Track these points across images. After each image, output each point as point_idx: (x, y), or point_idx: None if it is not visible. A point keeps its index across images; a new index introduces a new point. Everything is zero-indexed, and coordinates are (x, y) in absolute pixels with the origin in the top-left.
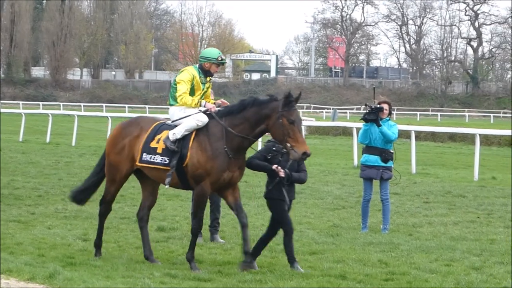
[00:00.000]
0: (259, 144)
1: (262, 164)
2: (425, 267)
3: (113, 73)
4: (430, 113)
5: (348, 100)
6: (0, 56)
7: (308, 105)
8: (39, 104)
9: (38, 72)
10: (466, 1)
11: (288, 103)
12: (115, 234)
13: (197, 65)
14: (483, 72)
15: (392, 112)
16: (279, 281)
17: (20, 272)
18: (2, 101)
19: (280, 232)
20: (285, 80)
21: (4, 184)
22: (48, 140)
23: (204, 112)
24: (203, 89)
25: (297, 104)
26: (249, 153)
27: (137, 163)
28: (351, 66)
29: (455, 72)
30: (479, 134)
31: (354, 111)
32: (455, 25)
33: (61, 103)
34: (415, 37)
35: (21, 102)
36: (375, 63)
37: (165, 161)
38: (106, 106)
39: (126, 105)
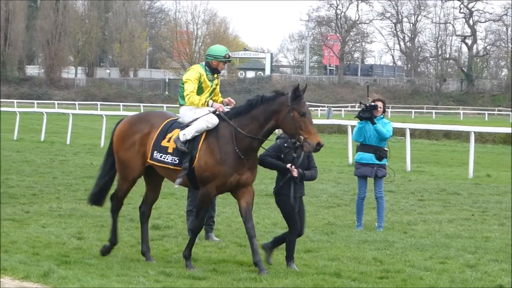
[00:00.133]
0: None
1: (275, 163)
2: (419, 265)
3: (108, 71)
4: (424, 110)
5: (342, 98)
6: None
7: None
8: (33, 103)
9: (32, 70)
10: None
11: (297, 96)
12: (109, 233)
13: (204, 63)
14: (477, 69)
15: (386, 110)
16: (273, 279)
17: (15, 270)
18: None
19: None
20: (280, 78)
21: None
22: (42, 138)
23: (213, 113)
24: (211, 86)
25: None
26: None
27: (148, 160)
28: (346, 64)
29: (450, 70)
30: (474, 132)
31: (349, 109)
32: (449, 23)
33: (56, 102)
34: (409, 35)
35: (15, 101)
36: (369, 61)
37: (175, 161)
38: (100, 105)
39: (121, 104)
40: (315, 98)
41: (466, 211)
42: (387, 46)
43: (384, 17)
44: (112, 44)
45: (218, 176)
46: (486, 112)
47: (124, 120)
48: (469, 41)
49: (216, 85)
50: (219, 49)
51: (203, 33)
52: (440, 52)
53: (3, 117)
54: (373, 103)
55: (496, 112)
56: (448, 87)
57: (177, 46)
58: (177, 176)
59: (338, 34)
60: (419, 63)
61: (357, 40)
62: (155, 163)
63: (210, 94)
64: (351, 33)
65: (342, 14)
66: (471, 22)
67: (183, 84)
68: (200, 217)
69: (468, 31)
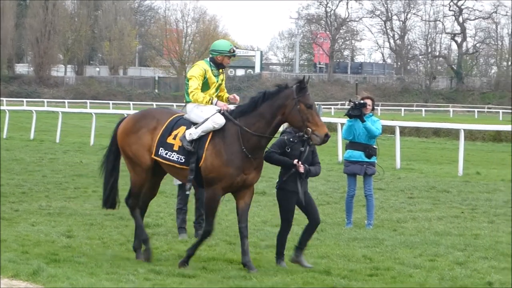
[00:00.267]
0: None
1: (282, 159)
2: (409, 262)
3: (97, 69)
4: (414, 108)
5: (332, 95)
6: None
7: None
8: (23, 101)
9: (22, 68)
10: None
11: (302, 89)
12: (99, 231)
13: (208, 59)
14: (467, 67)
15: (376, 107)
16: (263, 277)
17: (4, 269)
18: None
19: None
20: (270, 76)
21: None
22: (32, 137)
23: (219, 112)
24: (217, 82)
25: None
26: None
27: (153, 156)
28: (336, 62)
29: (440, 67)
30: (464, 129)
31: (339, 106)
32: (439, 20)
33: (45, 100)
34: (399, 33)
35: (4, 99)
36: (359, 58)
37: (182, 160)
38: (90, 103)
39: (110, 102)
40: None
41: (456, 208)
42: (377, 44)
43: (374, 15)
44: (101, 42)
45: (224, 178)
46: (476, 110)
47: (127, 118)
48: (458, 39)
49: (222, 80)
50: (223, 44)
51: (193, 31)
52: (429, 50)
53: None
54: (362, 101)
55: (485, 110)
56: (438, 85)
57: (167, 44)
58: (187, 180)
59: (328, 32)
60: (408, 60)
61: (347, 38)
62: (160, 159)
63: (216, 89)
64: (341, 31)
65: (332, 12)
66: (460, 19)
67: (188, 80)
68: (209, 221)
69: (457, 28)
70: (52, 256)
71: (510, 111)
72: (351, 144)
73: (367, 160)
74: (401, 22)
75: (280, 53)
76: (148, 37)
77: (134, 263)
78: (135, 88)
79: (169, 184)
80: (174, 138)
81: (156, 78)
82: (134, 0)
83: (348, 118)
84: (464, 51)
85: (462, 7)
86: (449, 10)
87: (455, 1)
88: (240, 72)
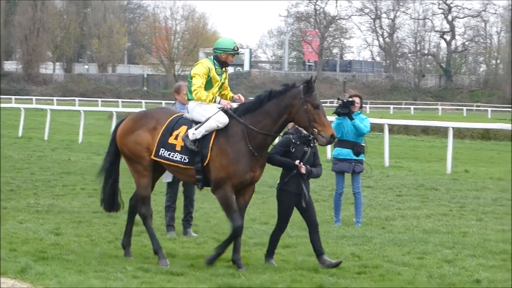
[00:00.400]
0: None
1: (284, 160)
2: (397, 260)
3: (86, 67)
4: (403, 106)
5: (321, 93)
6: None
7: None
8: (11, 98)
9: (10, 66)
10: None
11: (309, 89)
12: (87, 228)
13: (212, 57)
14: (456, 65)
15: (365, 105)
16: (252, 275)
17: None
18: None
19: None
20: (259, 74)
21: None
22: (20, 134)
23: (222, 110)
24: (220, 81)
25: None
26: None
27: (153, 157)
28: (325, 60)
29: (428, 66)
30: (452, 127)
31: (328, 104)
32: (428, 19)
33: (34, 97)
34: (388, 31)
35: None
36: (348, 56)
37: (185, 160)
38: (79, 100)
39: (99, 99)
40: None
41: (444, 206)
42: (366, 42)
43: (363, 13)
44: (90, 40)
45: (234, 176)
46: (465, 108)
47: (126, 119)
48: (447, 37)
49: (225, 79)
50: (227, 42)
51: (182, 28)
52: (418, 48)
53: None
54: (350, 99)
55: (474, 108)
56: (427, 83)
57: (156, 41)
58: (196, 180)
59: (317, 30)
60: (397, 58)
61: (336, 36)
62: (161, 160)
63: (219, 88)
64: (330, 29)
65: (321, 9)
66: (449, 18)
67: (191, 78)
68: (233, 218)
69: (446, 27)
70: (40, 254)
71: (498, 109)
72: (340, 142)
73: (355, 158)
74: (390, 20)
75: (269, 51)
76: (137, 35)
77: (122, 261)
78: (124, 86)
79: (158, 182)
80: (176, 138)
81: (145, 76)
82: None
83: (337, 116)
84: (453, 49)
85: (451, 5)
86: (438, 8)
87: None
88: (229, 69)
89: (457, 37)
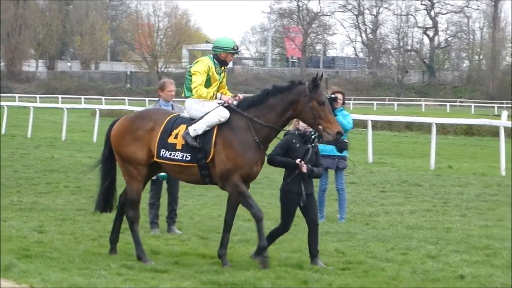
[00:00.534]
0: None
1: (285, 160)
2: (381, 256)
3: (69, 64)
4: (386, 102)
5: None
6: None
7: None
8: None
9: None
10: None
11: (315, 86)
12: (71, 226)
13: (212, 56)
14: (439, 61)
15: (347, 102)
16: (236, 271)
17: None
18: None
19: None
20: (242, 71)
21: None
22: (3, 132)
23: (222, 105)
24: (219, 80)
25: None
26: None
27: (155, 159)
28: (308, 56)
29: (412, 62)
30: (436, 123)
31: None
32: (411, 15)
33: (17, 95)
34: (371, 27)
35: None
36: (331, 53)
37: (187, 157)
38: (61, 98)
39: (82, 97)
40: None
41: (428, 202)
42: (349, 38)
43: (346, 9)
44: (73, 37)
45: (242, 167)
46: (448, 104)
47: (122, 118)
48: (430, 33)
49: (223, 78)
50: (227, 41)
51: (165, 25)
52: (401, 44)
53: None
54: (333, 95)
55: (457, 104)
56: (410, 79)
57: (139, 38)
58: (200, 176)
59: (300, 26)
60: (381, 55)
61: (319, 32)
62: (163, 161)
63: (217, 87)
64: (313, 25)
65: (304, 6)
66: (432, 13)
67: (190, 76)
68: (250, 204)
69: (429, 22)
70: (23, 252)
71: (482, 105)
72: None
73: (338, 154)
74: (373, 16)
75: (252, 47)
76: (120, 32)
77: (106, 258)
78: (107, 83)
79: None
80: (176, 137)
81: (128, 73)
82: None
83: None
84: (436, 45)
85: (434, 1)
86: (421, 4)
87: None
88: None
89: (440, 33)
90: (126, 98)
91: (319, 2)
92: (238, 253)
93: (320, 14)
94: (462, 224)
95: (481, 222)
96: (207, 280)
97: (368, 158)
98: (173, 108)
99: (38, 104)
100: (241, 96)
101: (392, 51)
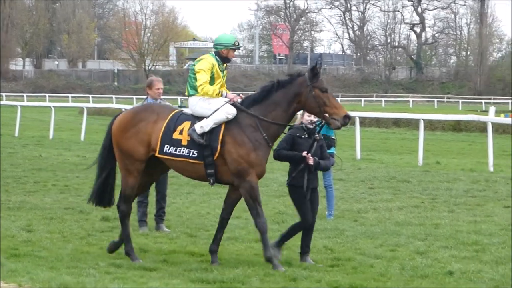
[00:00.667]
0: None
1: (291, 154)
2: (370, 253)
3: (56, 62)
4: (374, 99)
5: None
6: None
7: (254, 92)
8: None
9: None
10: None
11: (315, 74)
12: (59, 225)
13: (213, 53)
14: (426, 57)
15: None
16: (224, 269)
17: None
18: None
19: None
20: (229, 68)
21: None
22: None
23: (229, 103)
24: (222, 77)
25: (242, 93)
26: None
27: (157, 154)
28: (296, 53)
29: (399, 58)
30: (423, 119)
31: None
32: (398, 11)
33: (4, 94)
34: (358, 23)
35: None
36: (319, 49)
37: (194, 154)
38: (49, 96)
39: (70, 95)
40: None
41: (416, 198)
42: (336, 35)
43: (333, 6)
44: (60, 35)
45: (256, 164)
46: (435, 100)
47: (125, 111)
48: (417, 29)
49: (224, 76)
50: (227, 37)
51: (152, 23)
52: (389, 40)
53: None
54: None
55: (445, 100)
56: (398, 75)
57: (126, 36)
58: (207, 175)
59: (287, 23)
60: (368, 51)
61: (306, 29)
62: (167, 157)
63: (220, 84)
64: (300, 22)
65: (291, 3)
66: (419, 10)
67: (194, 74)
68: (258, 213)
69: (416, 19)
70: (12, 251)
71: (469, 100)
72: None
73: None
74: (360, 13)
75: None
76: (107, 30)
77: (95, 257)
78: (95, 81)
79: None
80: (181, 133)
81: (116, 71)
82: None
83: None
84: (423, 41)
85: None
86: (408, 0)
87: None
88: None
89: (427, 29)
90: (114, 96)
91: None
92: (227, 250)
93: (307, 11)
94: (450, 220)
95: (469, 217)
96: (195, 278)
97: (356, 155)
98: None
99: (25, 103)
100: (242, 96)
101: (380, 47)
